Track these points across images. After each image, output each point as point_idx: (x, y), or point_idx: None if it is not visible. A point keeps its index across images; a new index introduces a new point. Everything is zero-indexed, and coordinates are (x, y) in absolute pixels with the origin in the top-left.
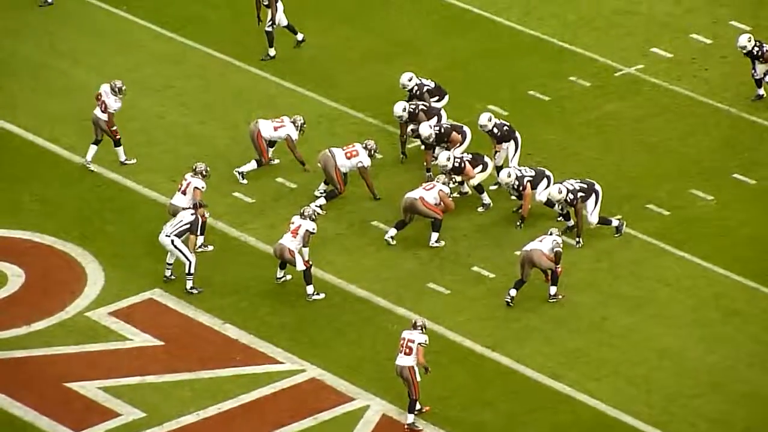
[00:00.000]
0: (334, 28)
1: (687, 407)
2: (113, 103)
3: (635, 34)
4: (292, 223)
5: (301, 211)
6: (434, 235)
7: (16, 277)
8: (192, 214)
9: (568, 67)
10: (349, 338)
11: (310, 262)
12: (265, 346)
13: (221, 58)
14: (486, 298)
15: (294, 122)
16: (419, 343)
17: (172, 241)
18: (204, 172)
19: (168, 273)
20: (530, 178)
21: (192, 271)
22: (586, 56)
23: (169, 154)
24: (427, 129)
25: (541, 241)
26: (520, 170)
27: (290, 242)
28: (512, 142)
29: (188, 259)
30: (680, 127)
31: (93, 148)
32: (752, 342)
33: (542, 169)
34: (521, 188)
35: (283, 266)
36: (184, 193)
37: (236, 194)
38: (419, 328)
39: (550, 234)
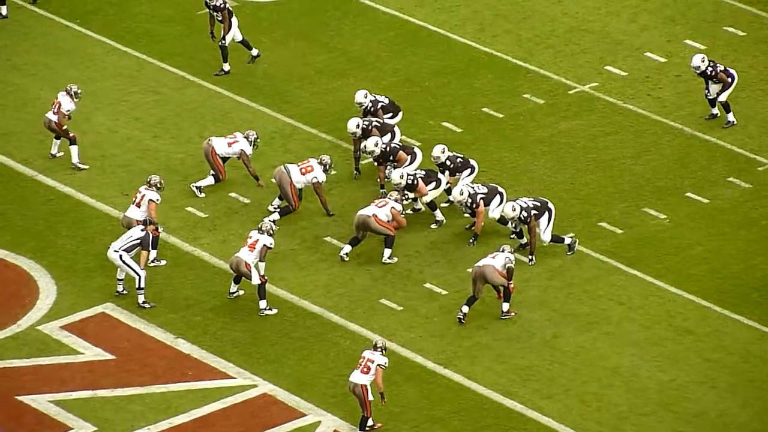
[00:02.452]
0: (288, 43)
1: (637, 425)
2: (67, 104)
3: (590, 52)
4: (250, 237)
5: (259, 225)
6: (387, 252)
7: None
8: (142, 230)
9: (522, 84)
10: (301, 354)
11: (266, 277)
12: (217, 361)
13: (175, 73)
14: (438, 315)
15: (247, 137)
16: (378, 365)
17: (121, 257)
18: (158, 185)
19: (120, 288)
20: (483, 195)
21: (143, 285)
22: (540, 74)
23: (122, 168)
24: (372, 143)
25: (493, 257)
26: (472, 187)
27: (247, 256)
28: (468, 170)
29: (138, 274)
30: (634, 146)
31: (74, 149)
32: (703, 361)
33: (495, 185)
34: (474, 205)
35: (237, 281)
36: (138, 205)
37: (189, 209)
38: (380, 349)
39: (503, 251)
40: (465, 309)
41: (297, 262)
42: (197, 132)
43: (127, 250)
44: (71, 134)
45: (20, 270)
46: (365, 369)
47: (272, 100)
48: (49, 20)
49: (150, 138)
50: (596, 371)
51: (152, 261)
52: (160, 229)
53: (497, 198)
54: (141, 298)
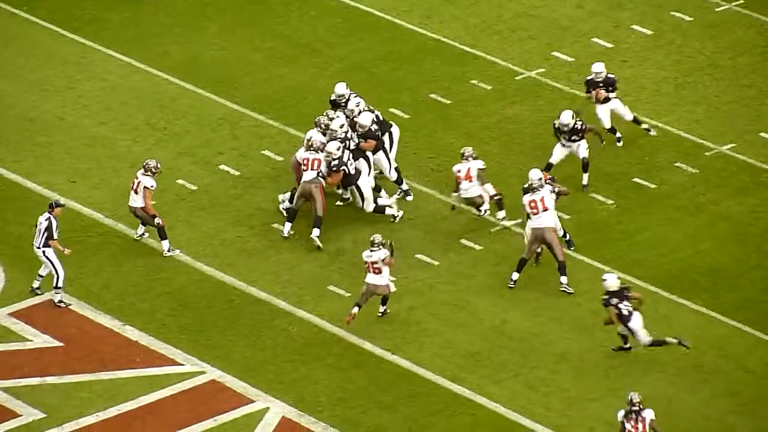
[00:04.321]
0: (235, 30)
1: (585, 410)
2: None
3: (537, 37)
4: (136, 178)
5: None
6: (316, 231)
7: None
8: (46, 219)
9: (469, 70)
10: (249, 340)
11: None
12: (165, 348)
13: (122, 60)
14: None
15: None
16: (383, 259)
17: (44, 252)
18: (154, 169)
19: (35, 285)
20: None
21: (59, 285)
22: (487, 59)
23: (69, 156)
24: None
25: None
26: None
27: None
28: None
29: (56, 272)
30: None
31: (164, 243)
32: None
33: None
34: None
35: (143, 223)
36: (136, 192)
37: None
38: (377, 245)
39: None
40: (515, 276)
41: (244, 248)
42: (144, 119)
43: (46, 245)
44: (159, 221)
45: None
46: (376, 271)
47: (219, 86)
48: None
49: (97, 125)
50: (544, 356)
51: (168, 250)
52: (159, 221)
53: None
54: (57, 297)
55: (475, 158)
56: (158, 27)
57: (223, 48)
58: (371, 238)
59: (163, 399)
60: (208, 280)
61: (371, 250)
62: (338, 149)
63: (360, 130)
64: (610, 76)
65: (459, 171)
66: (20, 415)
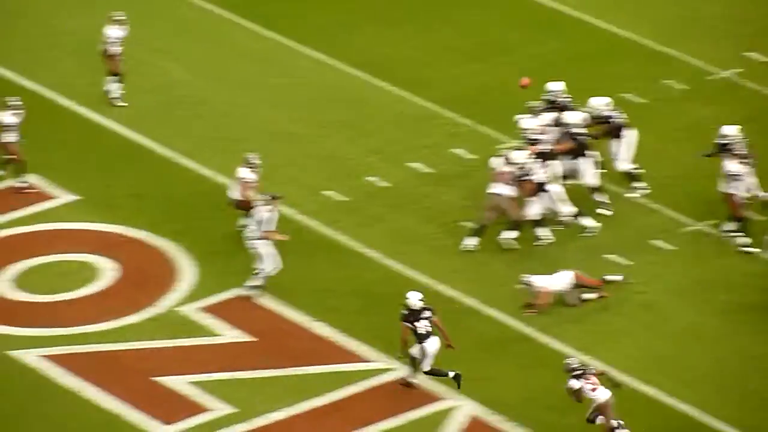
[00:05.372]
0: (429, 28)
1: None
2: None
3: (730, 37)
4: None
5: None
6: (510, 233)
7: (110, 270)
8: (269, 211)
9: (663, 70)
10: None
11: None
12: (354, 344)
13: (315, 56)
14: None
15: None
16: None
17: (260, 244)
18: (251, 162)
19: (257, 281)
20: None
21: (262, 273)
22: (680, 59)
23: (260, 152)
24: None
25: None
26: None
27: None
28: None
29: (265, 264)
30: None
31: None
32: None
33: None
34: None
35: None
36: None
37: (328, 192)
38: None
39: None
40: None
41: (435, 246)
42: (336, 116)
43: (263, 237)
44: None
45: (160, 251)
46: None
47: (412, 84)
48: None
49: (288, 121)
50: (736, 359)
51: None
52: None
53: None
54: (255, 282)
55: None
56: (351, 24)
57: (415, 46)
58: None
59: (351, 396)
60: (397, 277)
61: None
62: (526, 158)
63: (574, 128)
64: None
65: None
66: (210, 410)
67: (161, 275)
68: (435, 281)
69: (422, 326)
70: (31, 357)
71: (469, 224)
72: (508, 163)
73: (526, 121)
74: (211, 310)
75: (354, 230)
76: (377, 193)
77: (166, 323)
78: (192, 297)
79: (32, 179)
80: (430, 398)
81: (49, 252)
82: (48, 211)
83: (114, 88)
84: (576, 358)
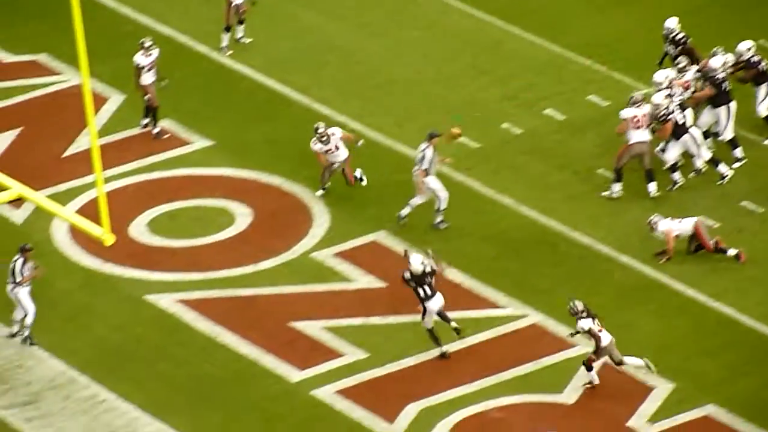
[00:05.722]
0: None
1: None
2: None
3: None
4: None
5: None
6: (653, 185)
7: (245, 216)
8: (423, 149)
9: None
10: (571, 285)
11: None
12: (487, 291)
13: (448, 3)
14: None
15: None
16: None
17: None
18: (319, 132)
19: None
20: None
21: (441, 208)
22: None
23: (393, 99)
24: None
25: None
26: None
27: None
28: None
29: (438, 197)
30: None
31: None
32: None
33: None
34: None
35: None
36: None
37: (462, 140)
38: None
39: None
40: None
41: (569, 193)
42: (469, 62)
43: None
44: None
45: (295, 198)
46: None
47: (546, 30)
48: None
49: (420, 68)
50: None
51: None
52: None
53: None
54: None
55: None
56: None
57: None
58: None
59: (484, 342)
60: (532, 224)
61: None
62: (665, 98)
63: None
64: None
65: None
66: (344, 355)
67: (295, 221)
68: (568, 228)
69: (426, 288)
70: (167, 301)
71: (603, 171)
72: (648, 103)
73: (658, 96)
74: (344, 255)
75: (488, 177)
76: (511, 140)
77: (301, 269)
78: (326, 242)
79: (167, 124)
80: (562, 345)
81: (185, 197)
82: (183, 156)
83: (224, 38)
84: (580, 301)
